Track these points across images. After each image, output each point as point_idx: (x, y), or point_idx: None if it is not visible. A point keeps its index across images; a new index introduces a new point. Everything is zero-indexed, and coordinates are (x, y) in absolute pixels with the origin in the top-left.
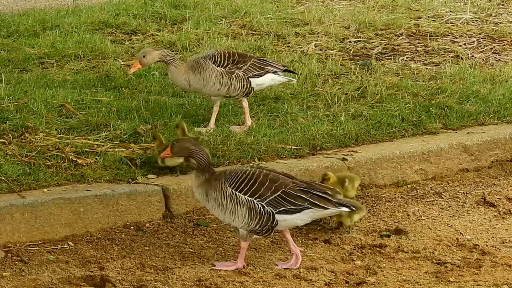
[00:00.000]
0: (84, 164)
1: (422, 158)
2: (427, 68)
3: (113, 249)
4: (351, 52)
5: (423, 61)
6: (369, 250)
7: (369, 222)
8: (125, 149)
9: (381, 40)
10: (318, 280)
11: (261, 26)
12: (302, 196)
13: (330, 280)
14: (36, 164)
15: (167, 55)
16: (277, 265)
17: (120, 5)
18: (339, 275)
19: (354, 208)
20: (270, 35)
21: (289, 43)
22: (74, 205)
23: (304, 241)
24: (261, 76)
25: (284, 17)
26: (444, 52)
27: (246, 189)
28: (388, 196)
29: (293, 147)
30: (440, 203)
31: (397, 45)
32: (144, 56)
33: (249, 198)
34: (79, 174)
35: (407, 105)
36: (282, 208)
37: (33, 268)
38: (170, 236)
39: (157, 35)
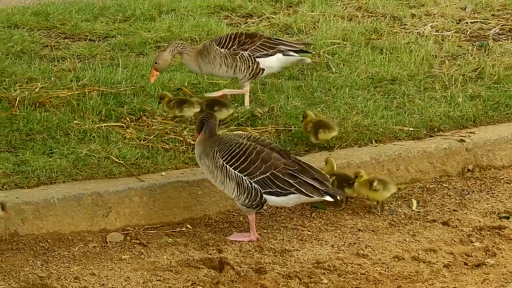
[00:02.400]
0: None
1: None
2: None
3: (231, 232)
4: (467, 33)
5: None
6: (488, 232)
7: (487, 204)
8: (243, 132)
9: (498, 20)
10: (436, 262)
11: (377, 8)
12: (290, 181)
13: (449, 262)
14: (154, 147)
15: (177, 46)
16: (229, 238)
17: None
18: (458, 257)
19: (338, 198)
20: (386, 17)
21: (405, 24)
22: (193, 188)
23: (422, 223)
24: (271, 55)
25: None
26: None
27: (236, 164)
28: (506, 177)
29: (410, 129)
30: None
31: None
32: (156, 63)
33: (238, 174)
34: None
35: None
36: (268, 190)
37: (152, 251)
38: (288, 219)
39: (272, 18)
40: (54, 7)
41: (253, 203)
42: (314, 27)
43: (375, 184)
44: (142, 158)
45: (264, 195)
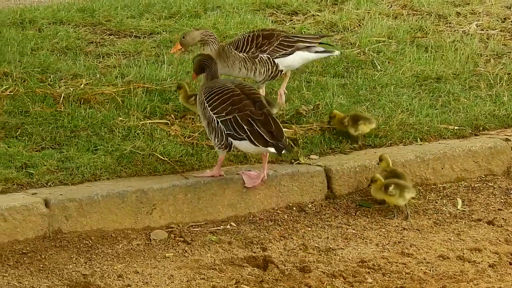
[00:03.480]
0: None
1: None
2: None
3: (275, 230)
4: None
5: None
6: None
7: None
8: (287, 130)
9: None
10: (482, 261)
11: (422, 6)
12: (245, 127)
13: (494, 261)
14: (198, 144)
15: (209, 36)
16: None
17: None
18: (503, 257)
19: (283, 152)
20: (431, 15)
21: (450, 23)
22: (237, 186)
23: (467, 222)
24: (290, 54)
25: None
26: None
27: (210, 102)
28: None
29: (455, 127)
30: None
31: None
32: (183, 37)
33: (210, 113)
34: (241, 155)
35: None
36: (227, 132)
37: (196, 248)
38: (332, 217)
39: (317, 15)
40: (99, 4)
41: (222, 144)
42: (359, 25)
43: (390, 188)
44: (186, 155)
45: (229, 138)
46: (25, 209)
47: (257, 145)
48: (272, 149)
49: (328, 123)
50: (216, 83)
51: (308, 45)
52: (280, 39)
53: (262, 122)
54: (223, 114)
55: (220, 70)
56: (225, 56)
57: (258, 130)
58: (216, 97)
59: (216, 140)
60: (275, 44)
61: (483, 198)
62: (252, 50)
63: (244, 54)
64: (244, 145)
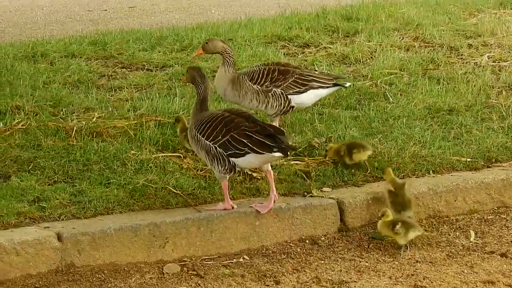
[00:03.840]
0: (259, 178)
1: None
2: None
3: (288, 263)
4: None
5: None
6: None
7: None
8: (299, 162)
9: None
10: None
11: (434, 38)
12: (244, 141)
13: None
14: (211, 177)
15: (228, 54)
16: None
17: (293, 18)
18: None
19: (289, 153)
20: (443, 47)
21: (462, 55)
22: (250, 219)
23: (480, 255)
24: (303, 93)
25: (456, 29)
26: None
27: (203, 132)
28: None
29: (467, 160)
30: None
31: None
32: (206, 43)
33: (206, 142)
34: (254, 187)
35: None
36: (229, 152)
37: (209, 282)
38: (345, 250)
39: (329, 47)
40: (111, 37)
41: (226, 168)
42: (371, 57)
43: (397, 227)
44: (199, 188)
45: (231, 159)
46: (37, 243)
47: (262, 153)
48: (278, 154)
49: (324, 157)
50: (204, 115)
51: (321, 85)
52: (295, 76)
53: (259, 131)
54: (219, 137)
55: (230, 97)
56: (239, 85)
57: (258, 138)
58: (207, 125)
59: (219, 166)
60: (289, 81)
61: (496, 230)
62: (266, 83)
63: (258, 86)
64: (248, 160)
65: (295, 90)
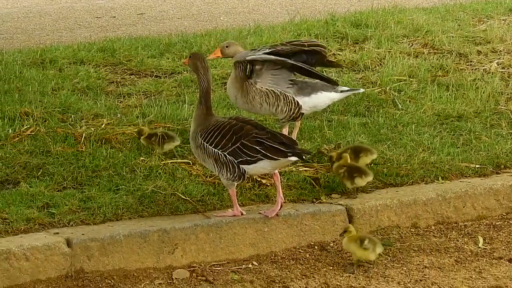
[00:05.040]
0: (268, 184)
1: None
2: None
3: (297, 269)
4: None
5: None
6: None
7: None
8: (308, 169)
9: None
10: None
11: (443, 45)
12: (256, 147)
13: None
14: (220, 184)
15: (245, 56)
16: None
17: (302, 25)
18: None
19: (304, 157)
20: (452, 54)
21: (471, 61)
22: (259, 225)
23: (489, 260)
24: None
25: (465, 36)
26: None
27: (210, 140)
28: None
29: (476, 166)
30: None
31: None
32: (227, 47)
33: (214, 150)
34: (263, 194)
35: None
36: (240, 159)
37: (218, 287)
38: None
39: (338, 54)
40: (120, 43)
41: (235, 175)
42: (380, 64)
43: (366, 243)
44: (208, 194)
45: (241, 166)
46: (47, 248)
47: (276, 159)
48: (294, 158)
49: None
50: (210, 123)
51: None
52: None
53: (271, 138)
54: (229, 145)
55: (241, 105)
56: (246, 91)
57: (271, 145)
58: (215, 134)
59: (229, 173)
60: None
61: (504, 236)
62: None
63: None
64: (260, 166)
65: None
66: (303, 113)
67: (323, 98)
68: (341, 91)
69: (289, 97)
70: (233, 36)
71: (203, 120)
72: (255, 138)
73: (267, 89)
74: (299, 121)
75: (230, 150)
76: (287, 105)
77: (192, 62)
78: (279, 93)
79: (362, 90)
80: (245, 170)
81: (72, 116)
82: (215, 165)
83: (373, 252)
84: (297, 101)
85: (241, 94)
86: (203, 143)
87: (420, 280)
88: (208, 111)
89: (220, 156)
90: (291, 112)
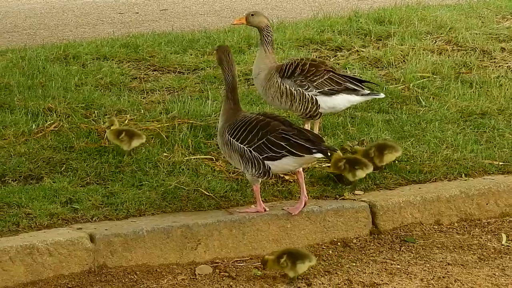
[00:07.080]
0: (291, 181)
1: None
2: None
3: (320, 265)
4: None
5: None
6: None
7: None
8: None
9: None
10: None
11: (467, 42)
12: (282, 143)
13: None
14: (243, 180)
15: (269, 32)
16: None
17: (325, 22)
18: None
19: (329, 154)
20: (475, 51)
21: (495, 58)
22: (282, 221)
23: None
24: (335, 93)
25: (489, 33)
26: None
27: (237, 136)
28: None
29: (500, 163)
30: None
31: None
32: (253, 15)
33: (240, 145)
34: (286, 190)
35: None
36: (265, 155)
37: (241, 283)
38: (377, 252)
39: (362, 51)
40: (143, 39)
41: (260, 172)
42: (403, 61)
43: (282, 260)
44: (231, 190)
45: (265, 162)
46: (70, 244)
47: (300, 155)
48: (319, 154)
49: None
50: (237, 118)
51: (355, 88)
52: (330, 73)
53: (297, 134)
54: (255, 141)
55: (258, 83)
56: (269, 75)
57: (297, 141)
58: (242, 129)
59: (254, 169)
60: (324, 77)
61: None
62: (297, 76)
63: (287, 81)
64: (284, 163)
65: (329, 88)
66: (321, 113)
67: (343, 100)
68: (362, 95)
69: (307, 96)
70: (256, 33)
71: (231, 115)
72: (281, 134)
73: (285, 87)
74: (318, 120)
75: (255, 145)
76: (302, 104)
77: (218, 55)
78: (295, 93)
79: (382, 95)
80: (269, 167)
81: (95, 111)
82: (241, 161)
83: (292, 270)
84: (316, 100)
85: (265, 76)
86: (230, 139)
87: (443, 277)
88: (235, 105)
89: (246, 152)
90: (307, 111)
